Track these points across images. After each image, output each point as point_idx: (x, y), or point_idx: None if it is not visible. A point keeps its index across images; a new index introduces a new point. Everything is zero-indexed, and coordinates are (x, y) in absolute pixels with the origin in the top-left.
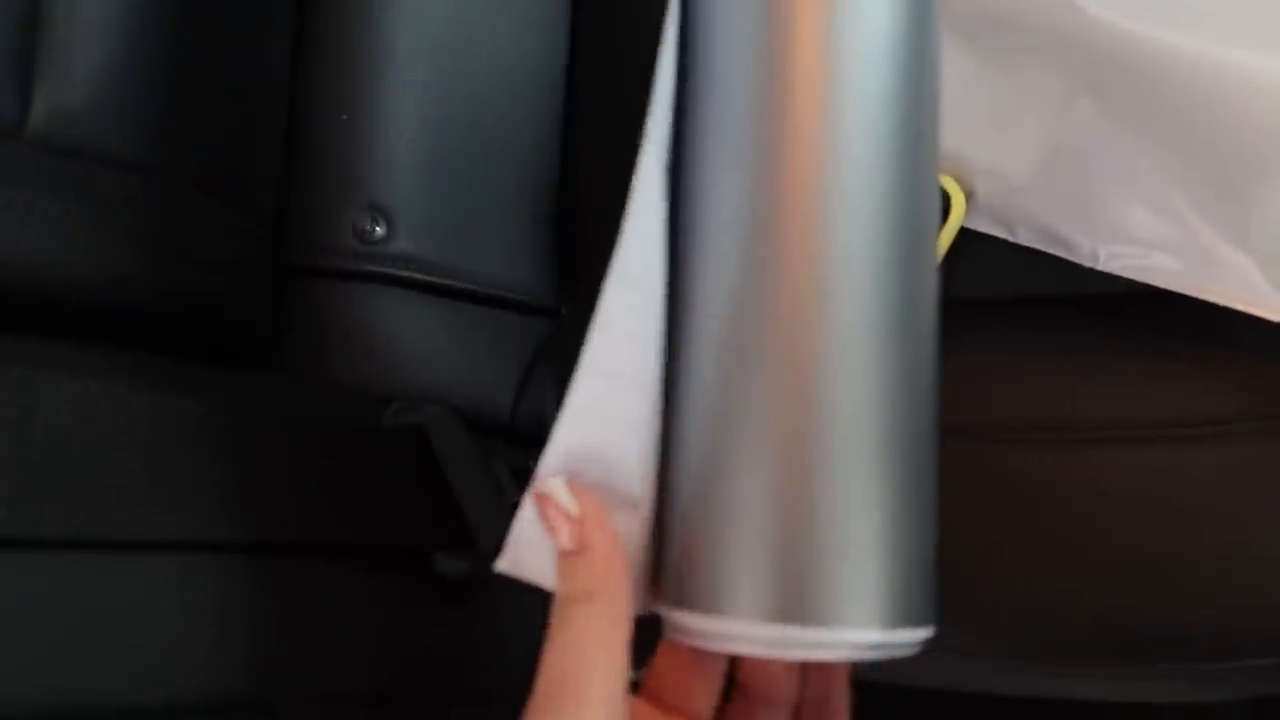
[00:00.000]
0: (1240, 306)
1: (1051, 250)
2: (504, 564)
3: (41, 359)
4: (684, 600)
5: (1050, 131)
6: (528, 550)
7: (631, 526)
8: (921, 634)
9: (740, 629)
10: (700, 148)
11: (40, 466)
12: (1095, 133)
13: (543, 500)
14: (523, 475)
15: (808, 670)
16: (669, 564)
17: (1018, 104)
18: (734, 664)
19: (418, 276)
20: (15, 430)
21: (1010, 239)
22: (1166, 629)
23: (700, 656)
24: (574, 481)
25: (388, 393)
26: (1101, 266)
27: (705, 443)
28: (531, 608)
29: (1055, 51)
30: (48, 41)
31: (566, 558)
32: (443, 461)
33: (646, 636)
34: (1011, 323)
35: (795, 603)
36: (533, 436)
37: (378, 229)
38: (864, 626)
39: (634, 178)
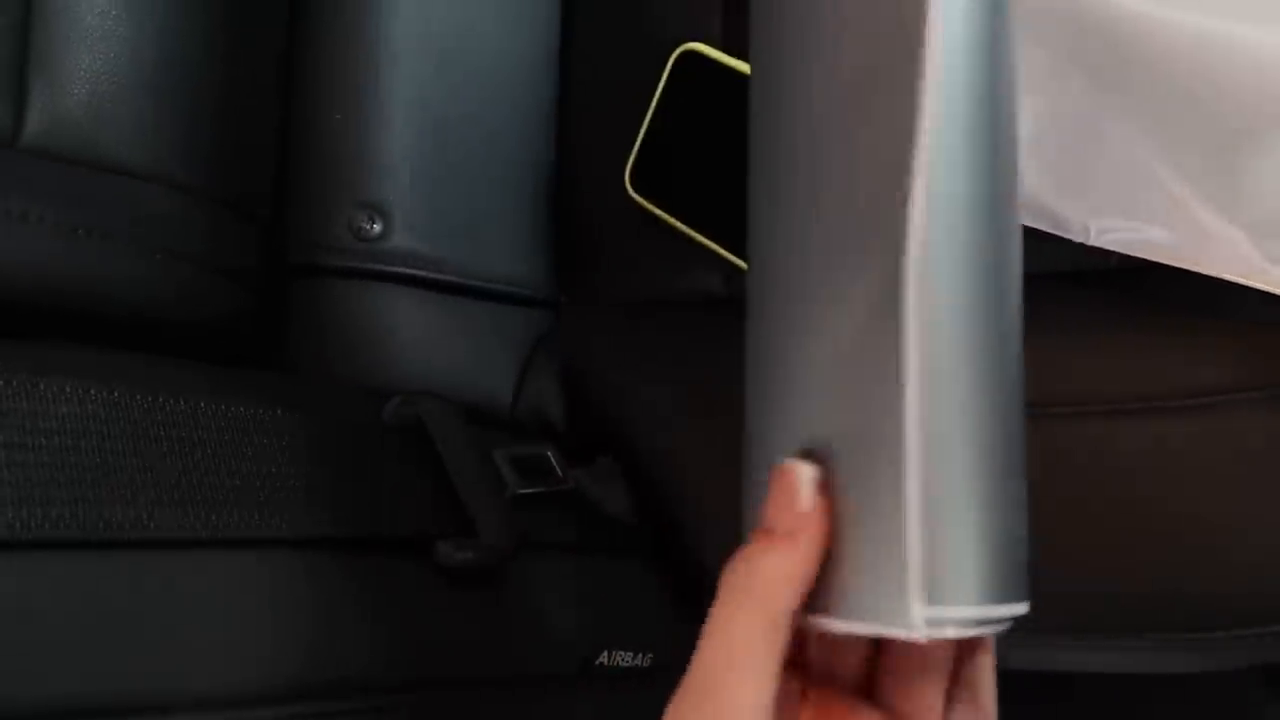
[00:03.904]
0: (1232, 278)
1: (1042, 226)
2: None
3: (43, 363)
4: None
5: (1040, 107)
6: None
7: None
8: (1020, 609)
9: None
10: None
11: (48, 469)
12: (1084, 107)
13: (784, 475)
14: (522, 465)
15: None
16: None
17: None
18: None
19: (415, 272)
20: (22, 434)
21: None
22: (1171, 600)
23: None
24: (823, 481)
25: (389, 388)
26: (1093, 241)
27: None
28: (542, 593)
29: (1042, 27)
30: (42, 49)
31: (771, 540)
32: (442, 453)
33: None
34: None
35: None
36: (533, 427)
37: (375, 226)
38: (973, 603)
39: None
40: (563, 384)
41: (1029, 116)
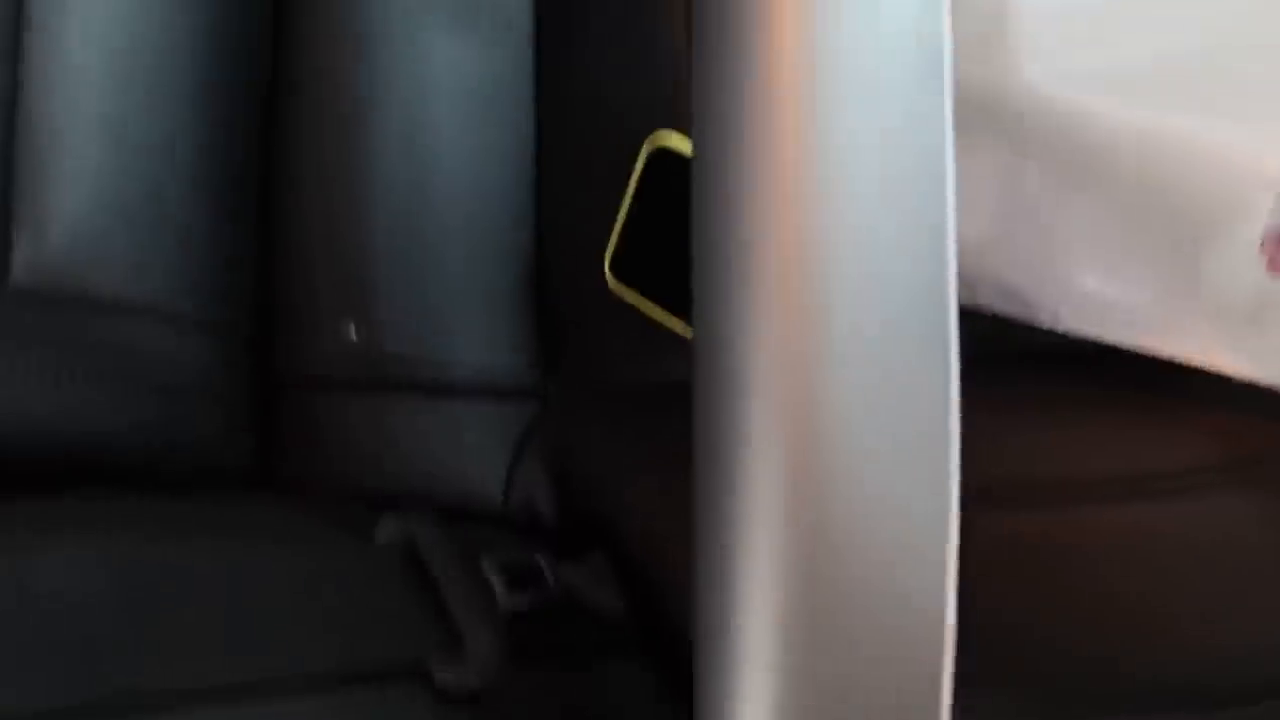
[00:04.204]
0: (1197, 362)
1: (1012, 310)
2: None
3: (33, 524)
4: None
5: (1001, 196)
6: None
7: None
8: None
9: None
10: None
11: (39, 632)
12: (1044, 197)
13: None
14: (513, 572)
15: None
16: None
17: (969, 170)
18: None
19: (400, 376)
20: (13, 600)
21: (972, 300)
22: (1155, 681)
23: None
24: None
25: (380, 493)
26: (1062, 326)
27: None
28: (536, 707)
29: (998, 120)
30: (24, 193)
31: None
32: (436, 576)
33: None
34: (981, 381)
35: None
36: (525, 521)
37: (358, 332)
38: None
39: None
40: (551, 476)
41: (991, 203)
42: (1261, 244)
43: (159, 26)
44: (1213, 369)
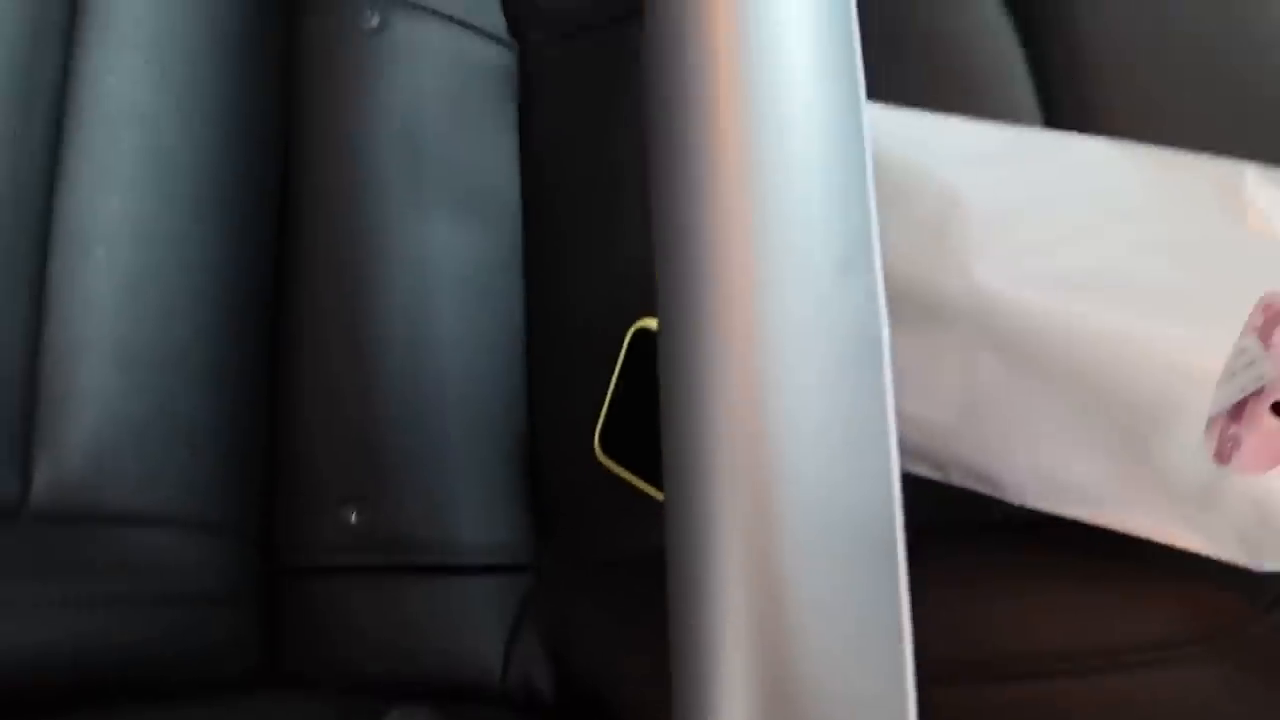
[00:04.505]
0: (1156, 538)
1: (982, 489)
2: None
3: None
4: None
5: (963, 385)
6: None
7: None
8: None
9: None
10: None
11: None
12: (1002, 385)
13: None
14: None
15: None
16: None
17: (931, 361)
18: None
19: (400, 559)
20: None
21: (946, 480)
22: None
23: None
24: None
25: (382, 678)
26: (1029, 504)
27: None
28: None
29: (954, 316)
30: (45, 417)
31: None
32: None
33: None
34: (957, 552)
35: None
36: (523, 697)
37: (358, 517)
38: None
39: None
40: (547, 650)
41: (955, 392)
42: (1204, 435)
43: (171, 248)
44: (1172, 545)
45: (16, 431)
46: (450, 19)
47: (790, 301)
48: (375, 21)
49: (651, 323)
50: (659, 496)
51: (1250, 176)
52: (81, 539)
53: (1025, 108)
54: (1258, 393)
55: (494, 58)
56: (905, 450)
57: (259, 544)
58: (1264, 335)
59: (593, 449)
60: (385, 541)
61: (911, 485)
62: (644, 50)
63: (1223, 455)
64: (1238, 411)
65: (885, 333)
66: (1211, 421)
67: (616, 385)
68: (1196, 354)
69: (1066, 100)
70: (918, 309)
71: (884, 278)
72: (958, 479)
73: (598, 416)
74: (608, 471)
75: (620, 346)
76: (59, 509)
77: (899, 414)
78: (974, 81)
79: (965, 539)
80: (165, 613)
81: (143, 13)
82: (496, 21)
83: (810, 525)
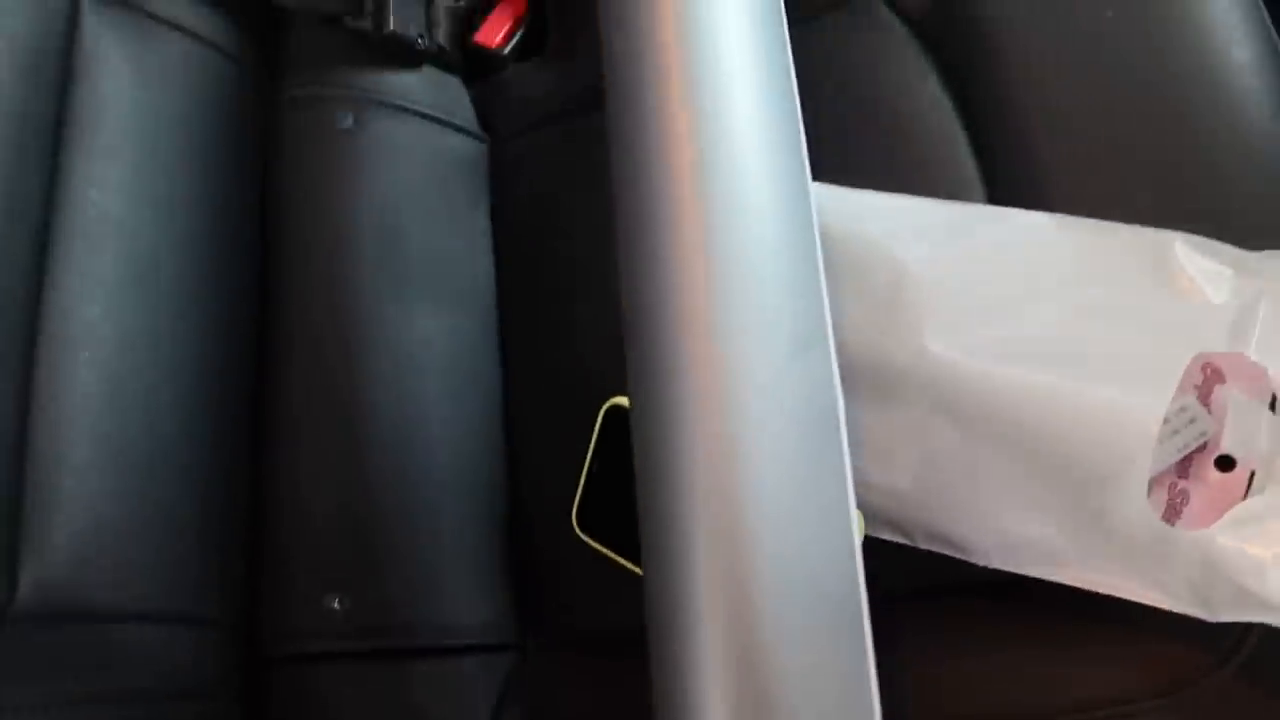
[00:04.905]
0: (1115, 593)
1: (949, 553)
2: None
3: None
4: None
5: (919, 451)
6: None
7: None
8: None
9: None
10: None
11: None
12: (955, 450)
13: None
14: None
15: None
16: None
17: (888, 429)
18: None
19: (383, 644)
20: None
21: (912, 543)
22: None
23: None
24: None
25: None
26: (993, 564)
27: None
28: None
29: (906, 385)
30: (31, 516)
31: None
32: None
33: None
34: (932, 615)
35: None
36: None
37: (342, 605)
38: None
39: None
40: None
41: (914, 457)
42: (1149, 493)
43: (154, 349)
44: (1129, 599)
45: (3, 536)
46: (423, 115)
47: (750, 381)
48: (349, 122)
49: (623, 400)
50: (638, 571)
51: (1179, 245)
52: (64, 638)
53: (969, 181)
54: (1201, 448)
55: (467, 150)
56: (871, 516)
57: (243, 635)
58: (1202, 394)
59: (571, 528)
60: (369, 627)
61: (885, 549)
62: (607, 142)
63: (1173, 510)
64: (1184, 468)
65: (840, 405)
66: (1157, 478)
67: (591, 463)
68: (1136, 414)
69: (1006, 174)
70: (872, 379)
71: (838, 350)
72: (923, 542)
73: (574, 495)
74: (588, 548)
75: (595, 423)
76: (43, 609)
77: (862, 482)
78: (922, 158)
79: (938, 601)
80: (147, 708)
81: (126, 124)
82: (468, 115)
83: (781, 594)
